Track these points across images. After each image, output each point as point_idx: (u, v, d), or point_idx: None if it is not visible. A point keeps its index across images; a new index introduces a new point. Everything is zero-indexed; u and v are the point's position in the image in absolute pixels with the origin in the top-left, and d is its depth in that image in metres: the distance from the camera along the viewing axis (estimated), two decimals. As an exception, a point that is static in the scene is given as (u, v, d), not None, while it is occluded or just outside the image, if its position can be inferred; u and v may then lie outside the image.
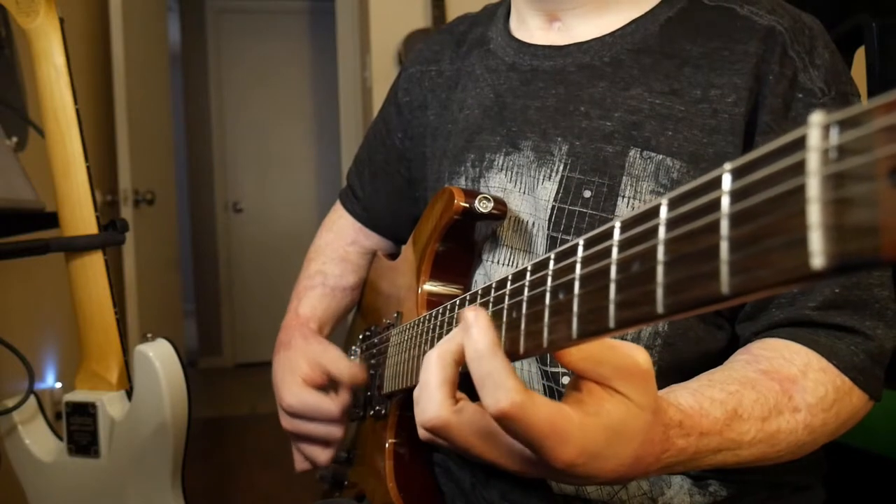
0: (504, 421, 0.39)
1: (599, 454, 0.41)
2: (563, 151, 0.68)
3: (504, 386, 0.38)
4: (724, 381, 0.54)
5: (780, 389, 0.55)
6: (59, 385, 1.44)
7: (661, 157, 0.64)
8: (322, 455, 0.84)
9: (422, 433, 0.47)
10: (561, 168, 0.68)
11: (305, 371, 0.82)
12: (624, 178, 0.65)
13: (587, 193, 0.66)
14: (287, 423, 0.84)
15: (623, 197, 0.65)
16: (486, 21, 0.84)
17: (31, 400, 1.01)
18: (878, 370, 0.61)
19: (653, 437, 0.44)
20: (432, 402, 0.43)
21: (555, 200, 0.68)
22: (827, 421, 0.57)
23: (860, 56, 0.97)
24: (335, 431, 0.82)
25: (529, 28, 0.76)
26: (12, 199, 1.09)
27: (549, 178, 0.69)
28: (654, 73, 0.67)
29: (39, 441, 1.02)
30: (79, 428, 0.97)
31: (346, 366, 0.80)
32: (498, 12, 0.83)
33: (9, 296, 1.61)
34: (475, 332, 0.40)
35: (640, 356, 0.42)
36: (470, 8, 0.90)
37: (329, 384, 0.82)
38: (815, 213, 0.23)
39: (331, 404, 0.80)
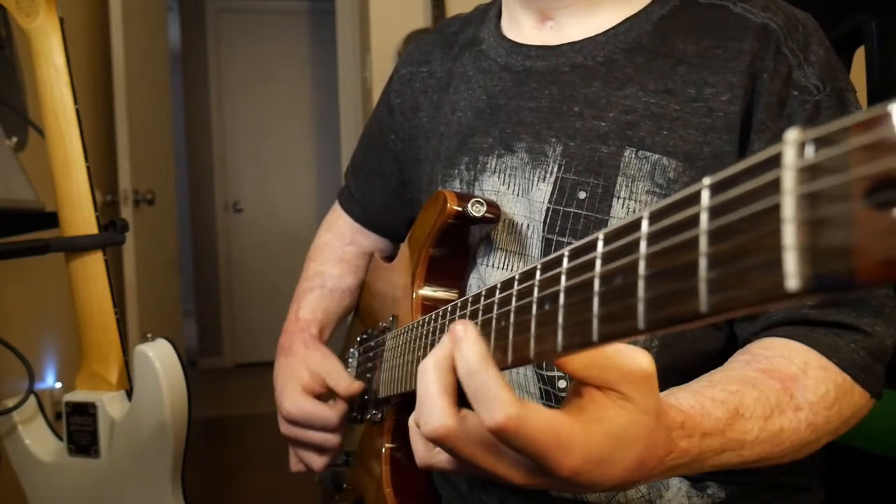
0: (502, 435, 0.38)
1: (604, 460, 0.41)
2: (558, 152, 0.68)
3: (498, 399, 0.37)
4: (725, 381, 0.54)
5: (781, 388, 0.55)
6: (59, 385, 1.43)
7: (657, 156, 0.64)
8: (318, 461, 0.85)
9: (419, 457, 0.46)
10: (555, 169, 0.67)
11: (305, 380, 0.82)
12: (619, 178, 0.65)
13: (582, 195, 0.66)
14: (286, 429, 0.85)
15: (618, 198, 0.65)
16: (478, 22, 0.83)
17: (31, 400, 1.01)
18: (879, 367, 0.61)
19: (656, 441, 0.44)
20: (436, 412, 0.42)
21: (549, 202, 0.67)
22: (830, 419, 0.57)
23: (860, 56, 0.97)
24: (332, 439, 0.82)
25: (522, 27, 0.75)
26: (12, 199, 1.09)
27: (544, 179, 0.68)
28: (648, 72, 0.67)
29: (39, 441, 1.02)
30: (79, 428, 0.97)
31: (343, 379, 0.81)
32: (490, 13, 0.82)
33: (9, 296, 1.61)
34: (465, 346, 0.39)
35: (644, 360, 0.41)
36: (470, 8, 0.88)
37: (328, 392, 0.83)
38: (789, 234, 0.23)
39: (329, 413, 0.80)
